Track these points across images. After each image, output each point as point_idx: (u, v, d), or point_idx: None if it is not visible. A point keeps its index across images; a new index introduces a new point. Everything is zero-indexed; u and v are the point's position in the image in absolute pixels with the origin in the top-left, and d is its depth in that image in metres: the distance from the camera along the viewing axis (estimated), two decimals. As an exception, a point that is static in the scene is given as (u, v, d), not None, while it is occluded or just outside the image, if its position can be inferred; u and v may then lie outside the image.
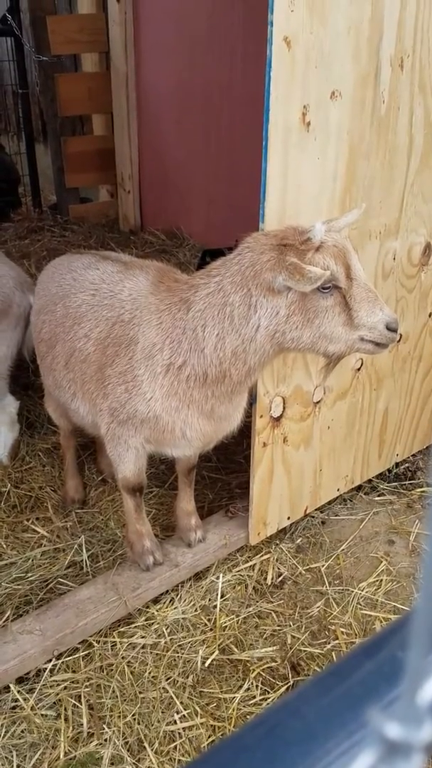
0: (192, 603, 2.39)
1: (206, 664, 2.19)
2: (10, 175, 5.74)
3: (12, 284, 2.80)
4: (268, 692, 2.12)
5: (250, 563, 2.56)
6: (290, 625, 2.34)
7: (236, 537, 2.54)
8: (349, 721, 0.40)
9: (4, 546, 2.59)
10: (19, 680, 2.10)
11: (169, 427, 2.04)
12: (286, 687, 2.15)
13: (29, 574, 2.46)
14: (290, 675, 2.17)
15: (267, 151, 1.93)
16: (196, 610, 2.37)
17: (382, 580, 2.50)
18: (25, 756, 1.91)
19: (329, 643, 2.27)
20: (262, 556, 2.59)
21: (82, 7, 5.36)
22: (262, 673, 2.17)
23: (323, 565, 2.57)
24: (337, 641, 2.28)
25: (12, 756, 1.90)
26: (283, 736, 0.38)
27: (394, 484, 2.99)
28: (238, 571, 2.52)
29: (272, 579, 2.51)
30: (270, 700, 2.10)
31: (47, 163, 5.92)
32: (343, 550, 2.65)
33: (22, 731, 1.97)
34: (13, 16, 5.24)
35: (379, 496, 2.94)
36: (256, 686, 2.13)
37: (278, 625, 2.34)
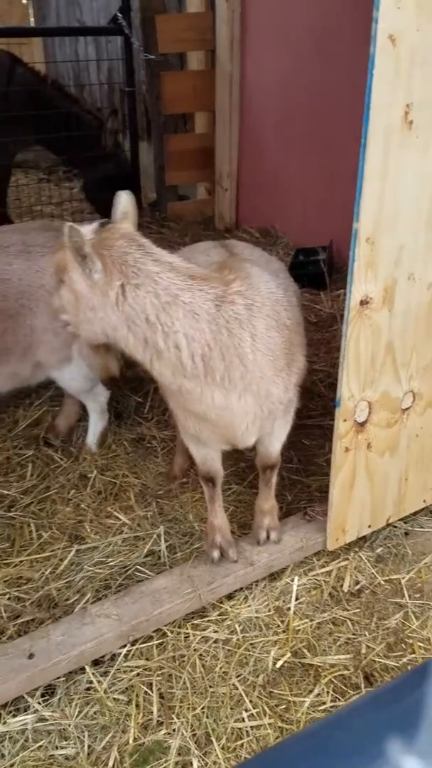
0: (266, 603, 2.39)
1: (277, 665, 2.18)
2: (125, 173, 5.89)
3: None
4: (339, 700, 2.09)
5: (327, 569, 2.52)
6: (366, 635, 2.29)
7: (314, 541, 2.52)
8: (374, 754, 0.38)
9: (88, 530, 2.67)
10: (95, 663, 2.16)
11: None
12: (358, 697, 2.11)
13: (110, 559, 2.53)
14: (363, 685, 2.13)
15: (366, 149, 1.90)
16: (269, 611, 2.36)
17: (464, 598, 2.41)
18: (96, 737, 1.97)
19: (405, 657, 2.21)
20: (339, 562, 2.55)
21: (191, 5, 5.44)
22: (333, 680, 2.14)
23: (404, 577, 2.50)
24: (413, 655, 2.22)
25: (84, 736, 1.96)
26: (328, 750, 0.37)
27: None
28: (314, 575, 2.50)
29: (349, 587, 2.46)
30: (340, 708, 2.07)
31: (149, 161, 6.04)
32: (426, 563, 2.57)
33: (95, 713, 2.03)
34: (124, 16, 5.37)
35: (467, 510, 2.83)
36: (327, 692, 2.10)
37: (353, 634, 2.30)
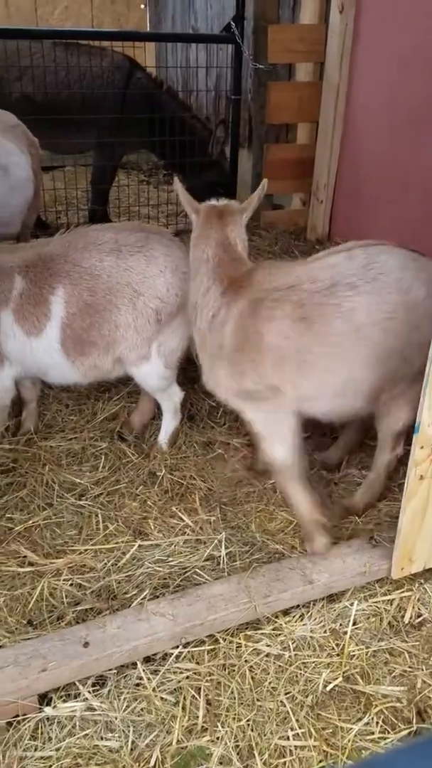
0: (322, 624, 2.35)
1: (328, 688, 2.15)
2: (225, 180, 5.97)
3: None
4: (388, 732, 2.03)
5: (389, 597, 2.46)
6: (423, 669, 2.22)
7: (377, 567, 2.46)
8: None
9: (152, 527, 2.71)
10: (146, 659, 2.19)
11: None
12: (408, 731, 2.04)
13: (170, 559, 2.56)
14: (414, 720, 2.07)
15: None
16: (325, 632, 2.33)
17: None
18: (141, 734, 1.99)
19: (462, 699, 2.13)
20: (403, 592, 2.48)
21: (305, 17, 5.44)
22: (384, 710, 2.09)
23: (468, 615, 2.41)
24: (470, 699, 2.13)
25: (129, 731, 1.99)
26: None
27: None
28: (375, 602, 2.44)
29: (411, 618, 2.39)
30: (389, 740, 2.01)
31: (247, 168, 6.08)
32: None
33: (142, 710, 2.05)
34: (238, 25, 5.43)
35: None
36: (377, 723, 2.05)
37: (410, 667, 2.23)
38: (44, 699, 2.06)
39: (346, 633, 2.31)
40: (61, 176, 6.47)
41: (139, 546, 2.60)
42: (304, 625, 2.34)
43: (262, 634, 2.30)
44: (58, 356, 2.88)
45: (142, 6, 9.10)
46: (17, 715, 1.99)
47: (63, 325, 2.82)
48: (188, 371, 3.63)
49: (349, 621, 2.34)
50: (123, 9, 8.79)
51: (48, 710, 2.02)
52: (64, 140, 5.62)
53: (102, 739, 1.97)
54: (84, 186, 6.15)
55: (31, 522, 2.71)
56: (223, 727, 2.01)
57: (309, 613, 2.39)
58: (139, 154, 7.06)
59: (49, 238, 2.99)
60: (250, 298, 2.41)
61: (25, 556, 2.53)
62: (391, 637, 2.32)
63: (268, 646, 2.26)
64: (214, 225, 2.57)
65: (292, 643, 2.27)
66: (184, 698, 2.08)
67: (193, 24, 8.45)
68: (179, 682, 2.13)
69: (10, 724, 1.99)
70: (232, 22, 5.47)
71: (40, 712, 2.01)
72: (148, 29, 9.16)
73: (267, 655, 2.24)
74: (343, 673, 2.19)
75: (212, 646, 2.25)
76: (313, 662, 2.22)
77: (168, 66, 8.20)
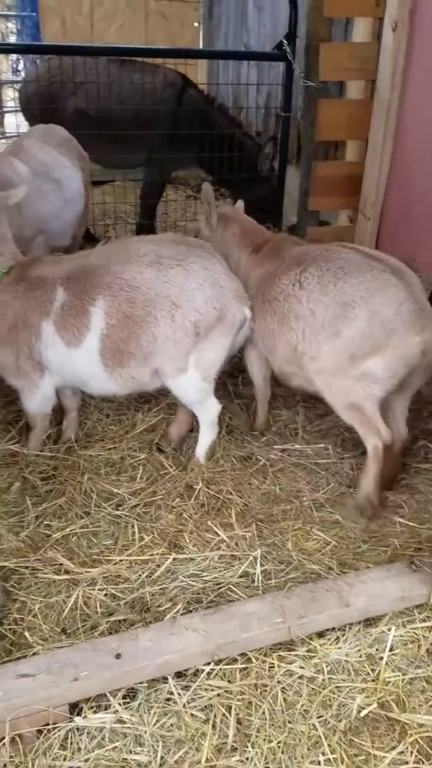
0: (358, 648, 2.30)
1: (362, 714, 2.09)
2: (272, 196, 6.00)
3: (231, 296, 2.93)
4: (423, 762, 1.96)
5: (428, 624, 2.39)
6: (460, 701, 2.15)
7: (417, 593, 2.40)
8: None
9: (187, 540, 2.70)
10: (178, 674, 2.17)
11: None
12: (443, 765, 1.98)
13: (204, 574, 2.54)
14: (451, 754, 2.00)
15: None
16: (360, 656, 2.27)
17: None
18: (170, 750, 1.97)
19: None
20: (442, 619, 2.41)
21: (357, 35, 5.43)
22: (420, 740, 2.02)
23: None
24: None
25: (158, 746, 1.97)
26: None
27: None
28: (414, 628, 2.37)
29: (449, 646, 2.32)
30: (423, 773, 1.95)
31: (294, 185, 6.08)
32: None
33: (171, 725, 2.03)
34: (290, 43, 5.46)
35: None
36: (411, 752, 1.99)
37: (447, 697, 2.16)
38: (75, 708, 2.05)
39: (382, 658, 2.25)
40: (110, 190, 6.58)
41: (174, 559, 2.59)
42: (339, 648, 2.29)
43: (295, 655, 2.26)
44: (97, 367, 2.91)
45: (196, 24, 9.24)
46: (47, 724, 1.99)
47: (102, 336, 2.85)
48: (227, 385, 3.63)
49: (385, 646, 2.28)
50: (177, 27, 8.94)
51: (78, 720, 2.01)
52: (115, 155, 5.72)
53: (131, 752, 1.96)
54: (132, 200, 6.23)
55: (68, 530, 2.72)
56: (253, 747, 1.98)
57: (344, 637, 2.34)
58: (187, 170, 7.13)
59: (91, 250, 3.04)
60: None
61: (61, 564, 2.54)
62: (428, 665, 2.25)
63: (302, 667, 2.22)
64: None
65: (326, 666, 2.23)
66: (215, 716, 2.06)
67: (245, 42, 8.54)
68: (210, 699, 2.11)
69: (40, 732, 1.99)
70: (284, 40, 5.50)
71: (70, 721, 2.01)
72: (201, 47, 9.29)
73: (300, 677, 2.19)
74: (378, 699, 2.13)
75: (244, 665, 2.22)
76: (348, 687, 2.17)
77: (219, 83, 8.29)
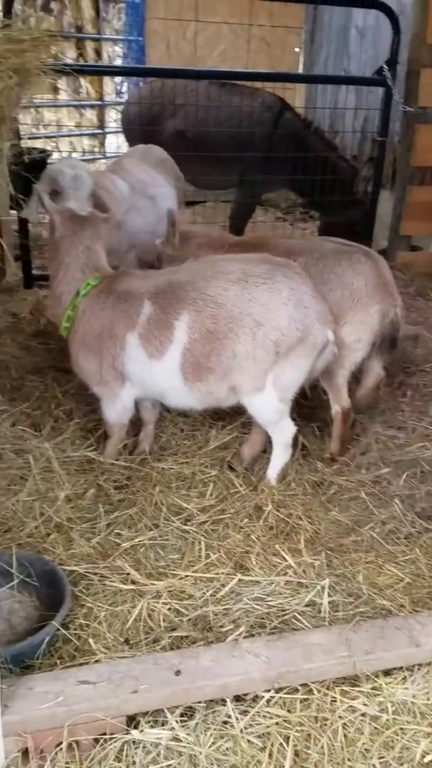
0: (426, 690, 2.20)
1: (425, 760, 2.00)
2: (363, 219, 5.96)
3: (315, 317, 2.91)
4: None
5: None
6: None
7: None
8: None
9: (254, 563, 2.66)
10: (236, 698, 2.13)
11: None
12: None
13: (269, 598, 2.50)
14: None
15: None
16: (428, 699, 2.17)
17: None
18: (224, 774, 1.94)
19: None
20: None
21: (460, 61, 5.35)
22: None
23: None
24: None
25: (212, 768, 1.94)
26: None
27: None
28: None
29: None
30: None
31: (387, 210, 6.01)
32: None
33: (227, 749, 2.00)
34: (390, 68, 5.42)
35: None
36: None
37: None
38: (132, 721, 2.05)
39: (451, 705, 2.15)
40: (201, 211, 6.68)
41: (239, 580, 2.56)
42: (406, 688, 2.20)
43: (359, 691, 2.18)
44: (177, 380, 2.95)
45: (297, 49, 9.31)
46: (104, 733, 2.00)
47: (184, 350, 2.89)
48: (303, 408, 3.59)
49: (455, 692, 2.18)
50: (278, 52, 9.02)
51: (135, 733, 2.01)
52: (209, 176, 5.81)
53: (184, 772, 1.93)
54: (221, 221, 6.30)
55: (137, 540, 2.74)
56: (308, 783, 1.92)
57: (412, 677, 2.24)
58: (278, 191, 7.16)
59: (180, 266, 3.09)
60: None
61: (128, 574, 2.56)
62: None
63: (365, 705, 2.14)
64: None
65: (391, 706, 2.14)
66: (272, 745, 2.01)
67: (345, 67, 8.54)
68: (268, 727, 2.06)
69: (96, 740, 1.99)
70: (384, 66, 5.46)
71: (127, 734, 2.01)
72: (300, 71, 9.35)
73: (363, 715, 2.12)
74: (444, 748, 2.03)
75: (305, 696, 2.16)
76: (413, 729, 2.08)
77: (317, 107, 8.31)
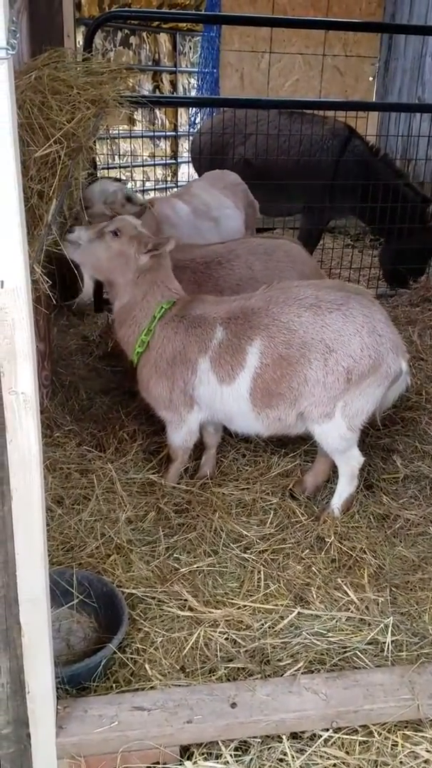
0: None
1: None
2: (427, 244, 5.88)
3: (389, 346, 2.85)
4: None
5: None
6: None
7: None
8: None
9: (314, 596, 2.60)
10: (293, 735, 2.07)
11: None
12: None
13: (330, 634, 2.43)
14: None
15: None
16: None
17: None
18: None
19: None
20: None
21: None
22: None
23: None
24: None
25: (265, 807, 1.88)
26: None
27: None
28: None
29: None
30: None
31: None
32: None
33: (281, 788, 1.94)
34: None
35: None
36: None
37: None
38: (185, 752, 2.01)
39: None
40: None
41: (299, 613, 2.50)
42: (473, 738, 2.09)
43: (422, 737, 2.09)
44: (246, 405, 2.94)
45: (371, 78, 9.32)
46: (158, 762, 1.97)
47: (255, 376, 2.88)
48: (368, 438, 3.51)
49: None
50: (351, 81, 9.06)
51: (188, 765, 1.97)
52: (275, 203, 5.84)
53: (236, 809, 1.88)
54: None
55: (195, 566, 2.72)
56: None
57: None
58: (345, 218, 7.14)
59: (253, 293, 3.08)
60: None
61: (186, 600, 2.54)
62: None
63: (428, 751, 2.04)
64: None
65: (456, 757, 2.03)
66: (328, 788, 1.93)
67: (420, 95, 8.49)
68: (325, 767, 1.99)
69: (148, 768, 1.97)
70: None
71: (180, 764, 1.97)
72: (374, 100, 9.35)
73: (426, 761, 2.02)
74: None
75: (365, 738, 2.07)
76: None
77: (389, 135, 8.28)
